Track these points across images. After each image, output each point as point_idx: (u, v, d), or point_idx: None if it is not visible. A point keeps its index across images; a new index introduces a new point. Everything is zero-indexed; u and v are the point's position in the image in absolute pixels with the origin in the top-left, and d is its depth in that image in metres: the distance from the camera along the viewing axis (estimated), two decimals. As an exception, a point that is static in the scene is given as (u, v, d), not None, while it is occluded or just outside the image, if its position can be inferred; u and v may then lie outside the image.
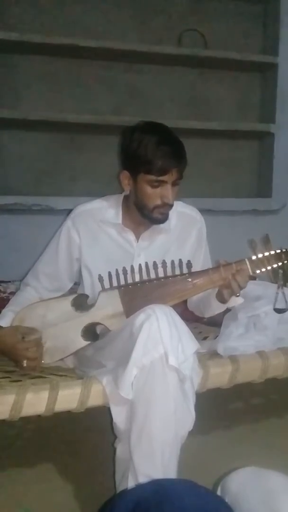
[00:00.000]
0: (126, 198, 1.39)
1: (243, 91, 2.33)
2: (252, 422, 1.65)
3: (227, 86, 2.30)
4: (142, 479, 1.05)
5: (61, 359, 1.35)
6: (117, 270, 1.28)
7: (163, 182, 1.27)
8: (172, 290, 1.26)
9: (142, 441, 1.07)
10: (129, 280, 1.28)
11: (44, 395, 1.15)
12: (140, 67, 2.16)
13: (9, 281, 1.88)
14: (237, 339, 1.38)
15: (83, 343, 1.30)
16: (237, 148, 2.35)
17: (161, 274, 1.28)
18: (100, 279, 1.28)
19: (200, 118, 2.23)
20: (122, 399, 1.11)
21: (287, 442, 1.52)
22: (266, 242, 1.29)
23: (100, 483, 1.27)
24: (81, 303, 1.33)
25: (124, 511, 0.81)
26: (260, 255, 1.27)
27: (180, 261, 1.29)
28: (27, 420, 1.24)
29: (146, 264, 1.28)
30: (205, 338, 1.59)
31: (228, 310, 1.41)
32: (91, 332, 1.32)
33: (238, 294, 1.28)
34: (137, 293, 1.25)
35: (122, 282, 1.27)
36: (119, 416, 1.14)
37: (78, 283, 1.49)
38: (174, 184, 1.29)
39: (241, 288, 1.26)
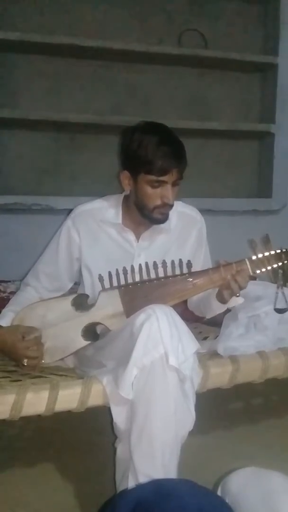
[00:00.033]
0: (126, 198, 1.39)
1: (243, 91, 2.33)
2: (252, 422, 1.65)
3: (227, 86, 2.30)
4: (142, 479, 1.05)
5: (61, 359, 1.35)
6: (117, 270, 1.28)
7: (163, 182, 1.27)
8: (172, 290, 1.26)
9: (143, 441, 1.07)
10: (129, 280, 1.28)
11: (44, 394, 1.15)
12: (140, 67, 2.16)
13: (9, 281, 1.88)
14: (237, 339, 1.38)
15: (83, 343, 1.30)
16: (237, 148, 2.35)
17: (161, 274, 1.28)
18: (100, 279, 1.28)
19: (200, 118, 2.23)
20: (122, 399, 1.11)
21: (287, 442, 1.52)
22: (266, 242, 1.29)
23: (100, 483, 1.27)
24: (81, 303, 1.33)
25: (124, 511, 0.81)
26: (260, 255, 1.27)
27: (180, 261, 1.29)
28: (27, 420, 1.23)
29: (146, 264, 1.28)
30: (205, 338, 1.59)
31: (228, 310, 1.41)
32: (91, 332, 1.32)
33: (238, 295, 1.28)
34: (137, 293, 1.25)
35: (122, 282, 1.27)
36: (119, 416, 1.14)
37: (78, 283, 1.49)
38: (174, 184, 1.29)
39: (241, 288, 1.26)
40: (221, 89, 2.29)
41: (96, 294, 1.31)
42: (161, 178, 1.26)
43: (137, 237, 1.40)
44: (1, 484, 1.31)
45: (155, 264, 1.28)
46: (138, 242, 1.40)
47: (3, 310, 1.39)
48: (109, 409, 1.16)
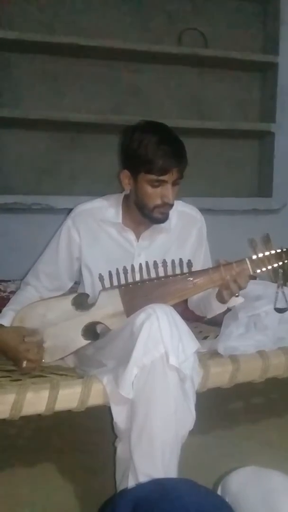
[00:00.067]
0: (126, 198, 1.39)
1: (243, 90, 2.32)
2: (253, 422, 1.65)
3: (227, 85, 2.30)
4: (143, 479, 1.05)
5: (62, 358, 1.35)
6: (117, 270, 1.28)
7: (163, 182, 1.27)
8: (173, 290, 1.26)
9: (143, 440, 1.07)
10: (130, 280, 1.28)
11: (45, 394, 1.15)
12: (140, 66, 2.16)
13: (9, 280, 1.88)
14: (238, 339, 1.38)
15: (83, 342, 1.30)
16: (237, 147, 2.35)
17: (161, 274, 1.28)
18: (101, 278, 1.28)
19: (200, 118, 2.23)
20: (122, 398, 1.11)
21: (287, 441, 1.52)
22: (267, 242, 1.29)
23: (100, 483, 1.27)
24: (82, 302, 1.33)
25: (124, 511, 0.81)
26: (260, 255, 1.27)
27: (181, 260, 1.29)
28: (27, 419, 1.23)
29: (147, 263, 1.28)
30: (205, 338, 1.59)
31: (228, 309, 1.41)
32: (92, 331, 1.32)
33: (237, 295, 1.28)
34: (137, 293, 1.25)
35: (123, 281, 1.27)
36: (119, 416, 1.14)
37: (78, 282, 1.49)
38: (174, 183, 1.29)
39: (240, 289, 1.26)
40: (221, 88, 2.29)
41: (96, 293, 1.31)
42: (161, 178, 1.25)
43: (137, 236, 1.40)
44: (1, 484, 1.31)
45: (155, 263, 1.28)
46: (138, 241, 1.39)
47: (4, 309, 1.39)
48: (109, 409, 1.16)
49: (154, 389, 1.07)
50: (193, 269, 1.29)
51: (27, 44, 1.92)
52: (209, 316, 1.41)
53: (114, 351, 1.20)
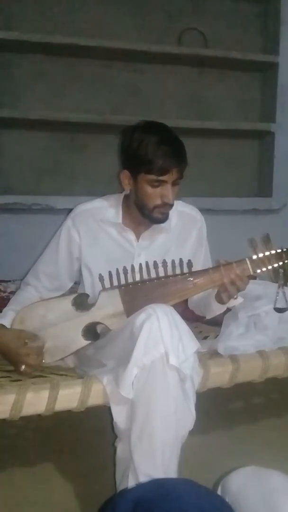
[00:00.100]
0: (126, 198, 1.39)
1: (243, 90, 2.33)
2: (253, 422, 1.65)
3: (227, 85, 2.30)
4: (143, 479, 1.05)
5: (62, 359, 1.35)
6: (117, 270, 1.27)
7: (163, 182, 1.26)
8: (173, 290, 1.26)
9: (143, 440, 1.07)
10: (130, 280, 1.28)
11: (45, 394, 1.15)
12: (140, 66, 2.16)
13: (9, 281, 1.88)
14: (238, 339, 1.38)
15: (83, 342, 1.30)
16: (237, 147, 2.35)
17: (161, 274, 1.28)
18: (101, 278, 1.28)
19: (200, 118, 2.23)
20: (122, 398, 1.11)
21: (287, 441, 1.52)
22: (267, 242, 1.29)
23: (100, 483, 1.27)
24: (82, 302, 1.33)
25: (124, 511, 0.81)
26: (260, 255, 1.27)
27: (181, 260, 1.28)
28: (27, 419, 1.23)
29: (147, 263, 1.28)
30: (205, 338, 1.59)
31: (228, 309, 1.41)
32: (92, 332, 1.32)
33: (236, 297, 1.29)
34: (137, 293, 1.25)
35: (123, 281, 1.27)
36: (119, 416, 1.14)
37: (78, 282, 1.49)
38: (174, 183, 1.29)
39: (239, 291, 1.26)
40: (221, 88, 2.29)
41: (96, 293, 1.31)
42: (161, 178, 1.25)
43: (137, 236, 1.40)
44: (1, 484, 1.31)
45: (155, 263, 1.28)
46: (138, 241, 1.39)
47: (4, 310, 1.39)
48: (109, 409, 1.16)
49: (154, 389, 1.07)
50: (193, 269, 1.29)
51: (27, 44, 1.92)
52: (209, 316, 1.41)
53: (114, 351, 1.20)
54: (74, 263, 1.43)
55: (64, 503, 1.26)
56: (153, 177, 1.25)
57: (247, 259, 1.27)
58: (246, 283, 1.26)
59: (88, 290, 1.40)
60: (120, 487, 1.12)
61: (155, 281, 1.26)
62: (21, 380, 1.25)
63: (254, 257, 1.27)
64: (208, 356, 1.36)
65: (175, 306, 1.19)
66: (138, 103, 2.18)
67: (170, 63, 2.17)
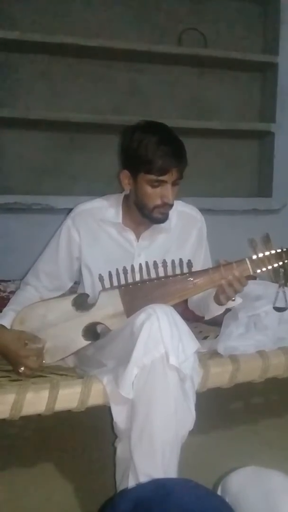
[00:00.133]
0: (126, 198, 1.39)
1: (243, 90, 2.33)
2: (252, 422, 1.65)
3: (227, 85, 2.30)
4: (143, 479, 1.05)
5: (62, 359, 1.35)
6: (117, 270, 1.27)
7: (163, 182, 1.26)
8: (173, 290, 1.26)
9: (143, 440, 1.07)
10: (130, 280, 1.28)
11: (45, 394, 1.15)
12: (140, 66, 2.16)
13: (9, 280, 1.88)
14: (238, 339, 1.38)
15: (84, 343, 1.29)
16: (237, 147, 2.35)
17: (161, 274, 1.28)
18: (101, 278, 1.28)
19: (200, 118, 2.23)
20: (122, 398, 1.11)
21: (287, 441, 1.52)
22: (267, 242, 1.29)
23: (100, 483, 1.27)
24: (82, 302, 1.33)
25: (124, 511, 0.81)
26: (260, 255, 1.27)
27: (181, 260, 1.28)
28: (27, 419, 1.23)
29: (147, 263, 1.28)
30: (205, 338, 1.59)
31: (228, 309, 1.41)
32: (92, 332, 1.32)
33: (233, 299, 1.29)
34: (137, 293, 1.25)
35: (123, 281, 1.27)
36: (119, 416, 1.14)
37: (78, 282, 1.48)
38: (174, 184, 1.29)
39: (236, 292, 1.26)
40: (221, 88, 2.29)
41: (96, 293, 1.31)
42: (161, 178, 1.25)
43: (137, 236, 1.40)
44: (1, 484, 1.31)
45: (155, 263, 1.28)
46: (138, 241, 1.39)
47: (4, 310, 1.39)
48: (109, 409, 1.16)
49: (154, 389, 1.07)
50: (193, 269, 1.29)
51: (27, 44, 1.92)
52: (208, 317, 1.41)
53: (114, 351, 1.20)
54: (74, 263, 1.43)
55: (64, 503, 1.26)
56: (153, 177, 1.25)
57: (247, 259, 1.27)
58: (244, 284, 1.26)
59: (88, 290, 1.40)
60: (120, 487, 1.12)
61: (155, 281, 1.26)
62: (21, 380, 1.25)
63: (254, 257, 1.27)
64: (208, 356, 1.36)
65: (175, 306, 1.20)
66: (138, 103, 2.18)
67: (170, 63, 2.17)
